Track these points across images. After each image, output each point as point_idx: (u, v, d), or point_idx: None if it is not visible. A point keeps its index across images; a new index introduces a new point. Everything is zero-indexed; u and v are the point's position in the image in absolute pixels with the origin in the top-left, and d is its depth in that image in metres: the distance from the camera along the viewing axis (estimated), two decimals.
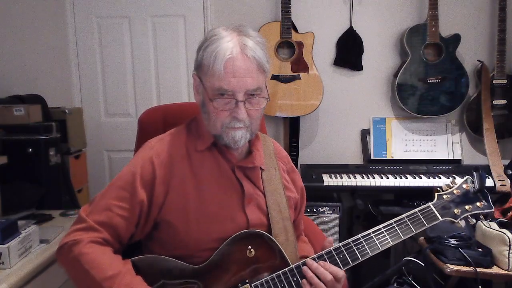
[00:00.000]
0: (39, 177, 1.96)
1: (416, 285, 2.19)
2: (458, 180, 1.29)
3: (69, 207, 2.02)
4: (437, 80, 2.68)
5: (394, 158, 2.77)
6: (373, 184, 2.53)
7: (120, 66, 2.96)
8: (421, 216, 1.20)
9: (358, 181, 2.54)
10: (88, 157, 2.74)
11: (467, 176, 1.29)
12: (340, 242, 1.19)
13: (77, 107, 2.77)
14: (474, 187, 1.27)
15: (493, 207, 1.25)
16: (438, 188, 1.28)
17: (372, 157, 2.78)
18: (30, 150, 1.93)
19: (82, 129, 2.52)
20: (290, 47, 2.73)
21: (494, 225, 2.01)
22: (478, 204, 1.25)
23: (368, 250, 1.15)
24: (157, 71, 2.96)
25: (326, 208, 2.56)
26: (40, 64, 2.56)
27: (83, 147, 2.51)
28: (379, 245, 1.15)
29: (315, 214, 2.55)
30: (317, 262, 1.12)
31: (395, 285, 2.27)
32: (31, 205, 1.90)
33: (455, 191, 1.26)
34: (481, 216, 1.26)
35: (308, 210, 2.55)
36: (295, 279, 1.12)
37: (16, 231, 1.44)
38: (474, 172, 1.28)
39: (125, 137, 2.81)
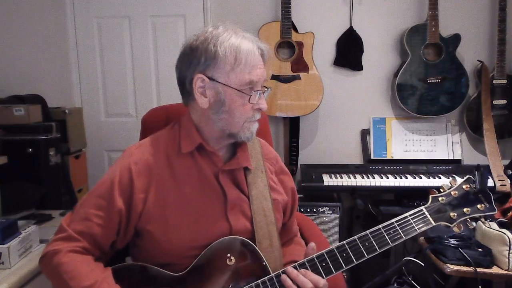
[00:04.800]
0: (39, 177, 1.96)
1: (416, 285, 2.19)
2: (458, 180, 1.20)
3: (69, 207, 2.02)
4: (437, 80, 2.68)
5: (394, 158, 2.77)
6: (373, 184, 2.52)
7: (120, 66, 2.96)
8: (412, 221, 1.13)
9: (358, 181, 2.54)
10: (88, 157, 2.74)
11: (468, 176, 1.20)
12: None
13: (77, 107, 2.77)
14: (475, 188, 1.17)
15: (496, 210, 1.16)
16: (435, 190, 1.19)
17: (372, 157, 2.78)
18: (30, 150, 1.94)
19: (82, 129, 2.52)
20: (290, 47, 2.73)
21: (494, 225, 2.01)
22: (478, 206, 1.16)
23: (353, 258, 1.09)
24: (157, 71, 2.96)
25: (326, 208, 2.55)
26: (40, 64, 2.56)
27: (83, 147, 2.51)
28: (365, 252, 1.09)
29: (315, 214, 2.55)
30: (297, 270, 1.07)
31: (395, 285, 2.27)
32: (31, 205, 1.90)
33: (452, 193, 1.17)
34: (483, 220, 1.17)
35: (308, 210, 2.55)
36: None
37: (16, 231, 1.44)
38: (476, 171, 1.19)
39: (125, 137, 2.82)
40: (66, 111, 2.32)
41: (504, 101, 2.72)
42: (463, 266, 1.91)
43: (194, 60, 1.12)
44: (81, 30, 2.93)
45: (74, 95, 2.96)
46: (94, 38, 2.94)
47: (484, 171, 1.20)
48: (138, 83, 2.98)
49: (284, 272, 1.08)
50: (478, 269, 1.88)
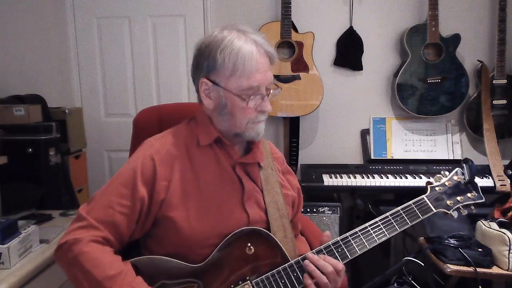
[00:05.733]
0: (39, 177, 1.96)
1: (416, 285, 2.19)
2: (448, 172, 1.30)
3: (69, 207, 2.02)
4: (437, 80, 2.68)
5: (394, 158, 2.77)
6: (373, 184, 2.53)
7: (120, 66, 2.96)
8: (415, 208, 1.23)
9: (358, 181, 2.54)
10: (88, 157, 2.74)
11: (457, 168, 1.31)
12: None
13: (77, 107, 2.77)
14: (464, 179, 1.29)
15: (483, 198, 1.27)
16: (430, 181, 1.30)
17: (372, 157, 2.78)
18: (30, 150, 1.93)
19: (82, 129, 2.52)
20: (290, 47, 2.73)
21: (494, 225, 2.01)
22: (469, 195, 1.27)
23: (366, 244, 1.16)
24: (157, 71, 2.96)
25: (326, 208, 2.56)
26: (40, 64, 2.56)
27: (83, 147, 2.51)
28: (376, 238, 1.17)
29: (315, 214, 2.55)
30: (317, 256, 1.13)
31: (395, 285, 2.27)
32: (31, 205, 1.90)
33: (446, 183, 1.28)
34: (472, 207, 1.27)
35: (308, 210, 2.55)
36: (295, 274, 1.13)
37: (16, 231, 1.44)
38: (464, 164, 1.30)
39: (125, 137, 2.78)
40: (66, 111, 2.31)
41: (504, 101, 2.72)
42: (463, 266, 1.91)
43: (199, 64, 1.18)
44: (81, 30, 2.94)
45: (74, 95, 2.96)
46: (94, 38, 2.95)
47: (472, 164, 1.29)
48: (138, 83, 2.98)
49: (305, 258, 1.13)
50: (478, 269, 1.88)
